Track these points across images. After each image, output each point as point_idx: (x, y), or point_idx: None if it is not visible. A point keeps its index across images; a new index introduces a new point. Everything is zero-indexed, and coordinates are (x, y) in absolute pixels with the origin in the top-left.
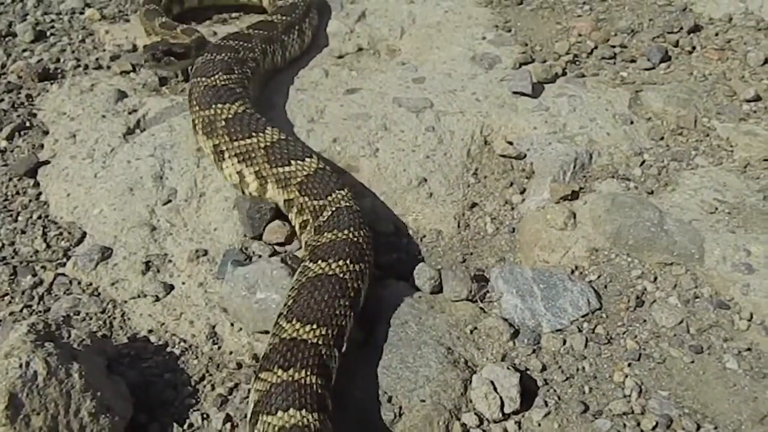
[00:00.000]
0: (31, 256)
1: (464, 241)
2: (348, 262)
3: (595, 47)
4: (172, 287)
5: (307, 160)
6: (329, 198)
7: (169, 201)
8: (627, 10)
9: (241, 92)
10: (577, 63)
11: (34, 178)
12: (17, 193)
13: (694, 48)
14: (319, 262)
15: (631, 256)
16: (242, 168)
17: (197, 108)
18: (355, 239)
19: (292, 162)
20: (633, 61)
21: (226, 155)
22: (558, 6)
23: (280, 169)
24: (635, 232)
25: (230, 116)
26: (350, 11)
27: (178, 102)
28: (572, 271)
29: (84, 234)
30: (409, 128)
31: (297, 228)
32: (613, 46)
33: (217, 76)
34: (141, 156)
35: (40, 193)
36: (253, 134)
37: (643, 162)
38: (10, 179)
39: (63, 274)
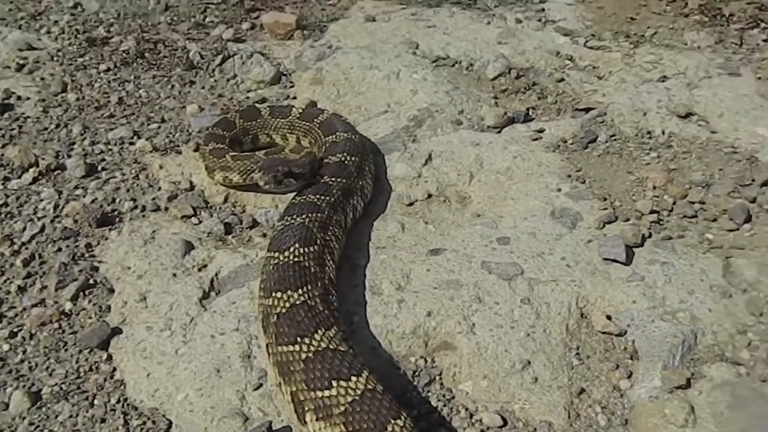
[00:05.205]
0: None
1: None
2: None
3: (674, 203)
4: None
5: (353, 379)
6: None
7: (260, 385)
8: (695, 158)
9: (315, 273)
10: (661, 223)
11: (107, 351)
12: (90, 369)
13: None
14: None
15: None
16: (281, 381)
17: (261, 293)
18: None
19: (334, 383)
20: (715, 220)
21: (271, 360)
22: (625, 152)
23: (319, 393)
24: None
25: (284, 310)
26: (414, 153)
27: (251, 259)
28: None
29: (170, 424)
30: (504, 299)
31: None
32: (692, 203)
33: (291, 250)
34: (225, 330)
35: (114, 369)
36: (298, 339)
37: (750, 343)
38: (80, 351)
39: None
